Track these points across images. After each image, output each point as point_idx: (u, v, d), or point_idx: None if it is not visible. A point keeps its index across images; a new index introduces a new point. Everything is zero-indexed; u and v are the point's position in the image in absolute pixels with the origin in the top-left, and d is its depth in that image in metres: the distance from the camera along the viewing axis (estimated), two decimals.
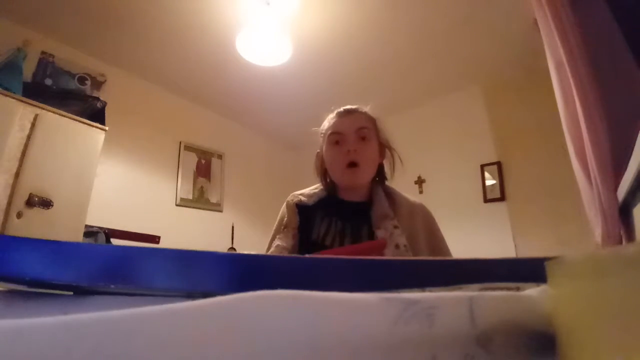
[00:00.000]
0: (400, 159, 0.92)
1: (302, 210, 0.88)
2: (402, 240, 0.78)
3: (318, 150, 0.94)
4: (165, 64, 2.55)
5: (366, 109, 0.92)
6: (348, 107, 0.91)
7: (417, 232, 0.82)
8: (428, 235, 0.84)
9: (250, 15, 2.04)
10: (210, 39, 2.28)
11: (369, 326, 0.17)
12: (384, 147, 0.91)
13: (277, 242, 0.85)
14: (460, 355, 0.17)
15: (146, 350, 0.15)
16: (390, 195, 0.88)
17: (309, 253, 0.45)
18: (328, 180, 0.92)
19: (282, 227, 0.87)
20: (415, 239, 0.80)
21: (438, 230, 0.87)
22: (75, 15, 2.07)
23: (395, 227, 0.80)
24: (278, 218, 0.91)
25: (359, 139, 0.85)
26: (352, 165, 0.83)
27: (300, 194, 0.91)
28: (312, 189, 0.93)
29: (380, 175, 0.92)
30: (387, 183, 0.94)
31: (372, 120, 0.90)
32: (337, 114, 0.91)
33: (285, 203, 0.91)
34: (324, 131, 0.91)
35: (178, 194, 2.78)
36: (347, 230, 0.85)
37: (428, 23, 2.16)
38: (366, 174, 0.86)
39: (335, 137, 0.86)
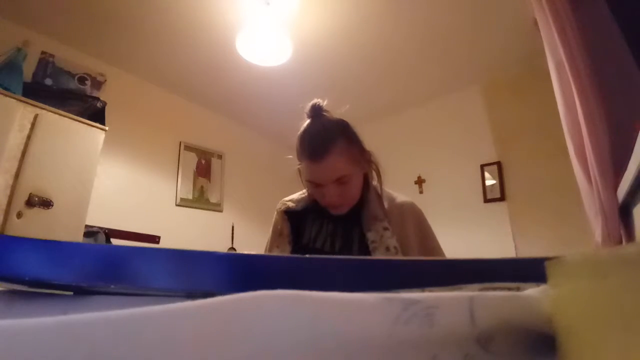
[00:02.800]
0: (378, 168, 0.86)
1: (292, 216, 0.88)
2: (392, 243, 0.77)
3: (298, 167, 0.84)
4: (165, 64, 2.55)
5: (336, 140, 0.76)
6: (317, 145, 0.76)
7: (408, 233, 0.82)
8: (419, 235, 0.83)
9: (250, 15, 2.04)
10: (210, 39, 2.28)
11: (369, 326, 0.17)
12: (365, 160, 0.84)
13: (275, 251, 0.86)
14: (460, 355, 0.17)
15: (146, 350, 0.15)
16: (381, 195, 0.87)
17: None
18: None
19: (277, 236, 0.88)
20: (406, 240, 0.80)
21: (429, 229, 0.86)
22: (75, 15, 2.07)
23: (386, 228, 0.79)
24: (272, 226, 0.91)
25: (338, 185, 0.77)
26: (335, 206, 0.82)
27: (289, 200, 0.91)
28: (301, 193, 0.92)
29: (367, 182, 0.88)
30: (385, 183, 0.93)
31: (347, 155, 0.77)
32: (308, 155, 0.77)
33: (276, 211, 0.91)
34: (298, 163, 0.82)
35: (178, 194, 2.78)
36: (338, 232, 0.85)
37: (428, 23, 2.16)
38: (351, 205, 0.83)
39: (314, 184, 0.79)
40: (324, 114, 0.83)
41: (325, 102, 0.84)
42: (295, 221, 0.88)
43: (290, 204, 0.89)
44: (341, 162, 0.76)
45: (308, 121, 0.82)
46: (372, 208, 0.83)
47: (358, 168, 0.81)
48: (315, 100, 0.84)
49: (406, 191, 0.89)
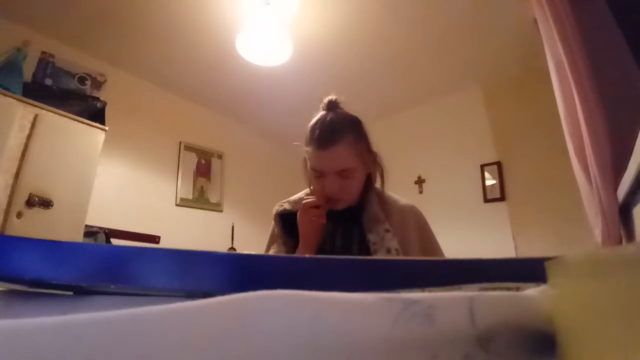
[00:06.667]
0: (382, 170, 0.87)
1: (288, 218, 0.87)
2: (393, 244, 0.77)
3: (305, 156, 0.86)
4: (165, 64, 2.55)
5: (346, 133, 0.78)
6: (326, 134, 0.78)
7: (409, 236, 0.81)
8: (420, 238, 0.83)
9: (250, 15, 2.04)
10: (210, 39, 2.28)
11: (369, 326, 0.17)
12: (371, 159, 0.85)
13: (271, 252, 0.87)
14: (460, 355, 0.17)
15: (146, 350, 0.15)
16: (382, 198, 0.87)
17: None
18: None
19: (275, 238, 0.89)
20: (407, 243, 0.80)
21: (431, 232, 0.86)
22: (75, 15, 2.07)
23: (387, 230, 0.79)
24: (271, 228, 0.92)
25: (340, 178, 0.79)
26: (333, 199, 0.82)
27: (286, 202, 0.91)
28: (300, 194, 0.92)
29: (369, 183, 0.89)
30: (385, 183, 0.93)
31: (354, 149, 0.79)
32: (316, 142, 0.78)
33: (273, 213, 0.92)
34: (304, 151, 0.84)
35: (178, 194, 2.78)
36: (338, 233, 0.85)
37: (428, 23, 2.16)
38: (348, 202, 0.84)
39: (316, 173, 0.81)
40: (339, 109, 0.85)
41: (342, 99, 0.85)
42: (292, 223, 0.88)
43: (287, 206, 0.89)
44: (347, 154, 0.78)
45: (322, 112, 0.84)
46: (373, 210, 0.83)
47: (362, 165, 0.82)
48: (332, 96, 0.85)
49: (406, 191, 0.90)
